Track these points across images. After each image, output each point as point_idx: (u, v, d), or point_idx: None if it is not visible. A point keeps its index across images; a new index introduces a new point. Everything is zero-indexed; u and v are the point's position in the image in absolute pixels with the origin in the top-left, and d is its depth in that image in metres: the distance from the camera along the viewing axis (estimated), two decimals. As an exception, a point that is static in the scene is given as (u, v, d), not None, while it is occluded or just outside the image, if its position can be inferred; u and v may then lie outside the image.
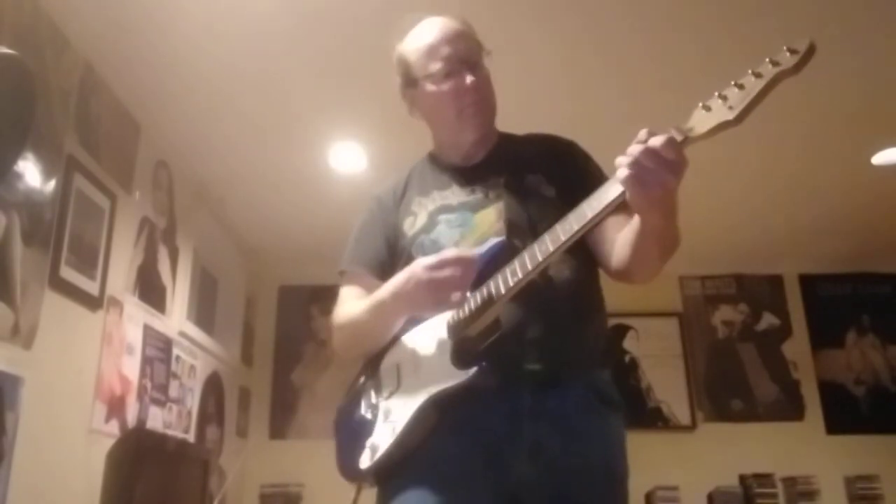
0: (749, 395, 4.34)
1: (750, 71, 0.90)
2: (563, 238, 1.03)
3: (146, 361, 2.77)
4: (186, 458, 2.93)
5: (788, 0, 2.26)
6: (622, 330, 4.45)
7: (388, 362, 1.27)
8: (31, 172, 2.06)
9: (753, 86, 0.89)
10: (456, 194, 1.32)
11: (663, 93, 2.60)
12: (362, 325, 1.28)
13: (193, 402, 3.31)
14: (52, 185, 2.17)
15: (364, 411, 1.27)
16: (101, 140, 2.50)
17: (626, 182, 0.95)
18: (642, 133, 0.96)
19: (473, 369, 1.09)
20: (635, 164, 0.94)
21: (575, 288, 1.22)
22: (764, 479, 3.99)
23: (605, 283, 1.29)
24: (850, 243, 4.19)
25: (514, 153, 1.36)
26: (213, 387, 3.61)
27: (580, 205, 1.03)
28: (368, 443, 1.21)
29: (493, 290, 1.10)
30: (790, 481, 3.99)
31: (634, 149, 0.95)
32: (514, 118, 1.41)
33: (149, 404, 2.79)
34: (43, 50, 2.14)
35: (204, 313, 3.81)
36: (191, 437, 3.23)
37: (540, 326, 1.17)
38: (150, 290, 2.87)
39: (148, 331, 2.81)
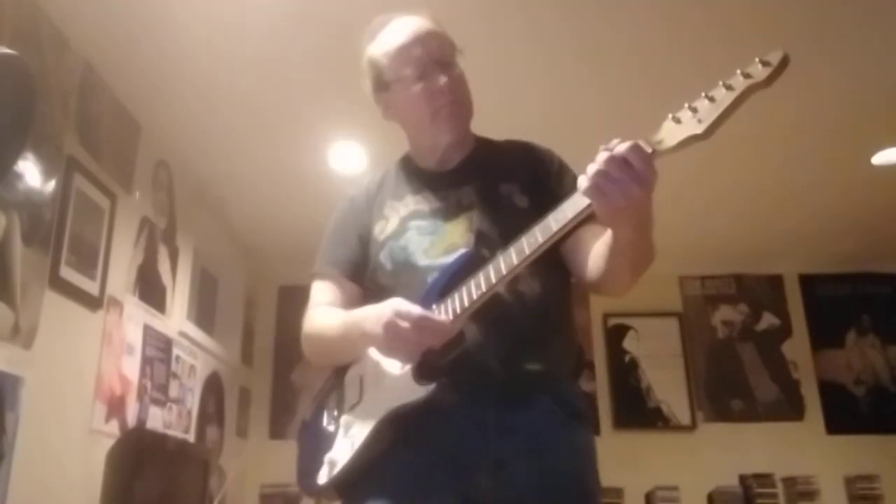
0: (749, 395, 4.34)
1: (721, 82, 0.89)
2: (527, 251, 1.02)
3: (146, 361, 2.77)
4: (186, 458, 2.93)
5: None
6: (622, 330, 4.46)
7: (352, 374, 1.25)
8: (31, 172, 2.06)
9: (724, 98, 0.87)
10: (429, 200, 1.29)
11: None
12: (331, 343, 1.26)
13: (193, 402, 3.31)
14: (52, 185, 2.16)
15: (326, 424, 1.26)
16: (101, 140, 2.50)
17: (588, 192, 0.93)
18: (613, 142, 0.94)
19: (433, 385, 1.08)
20: (599, 174, 0.92)
21: (544, 302, 1.19)
22: (764, 479, 4.00)
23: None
24: (850, 243, 4.19)
25: (490, 160, 1.33)
26: (213, 387, 3.61)
27: (546, 216, 1.02)
28: (327, 457, 1.20)
29: (457, 304, 1.08)
30: (790, 481, 4.00)
31: (601, 156, 0.93)
32: (490, 119, 1.39)
33: (149, 404, 2.79)
34: (43, 50, 2.14)
35: (204, 313, 3.81)
36: (191, 437, 3.23)
37: (506, 341, 1.14)
38: (150, 290, 2.87)
39: (148, 331, 2.81)
